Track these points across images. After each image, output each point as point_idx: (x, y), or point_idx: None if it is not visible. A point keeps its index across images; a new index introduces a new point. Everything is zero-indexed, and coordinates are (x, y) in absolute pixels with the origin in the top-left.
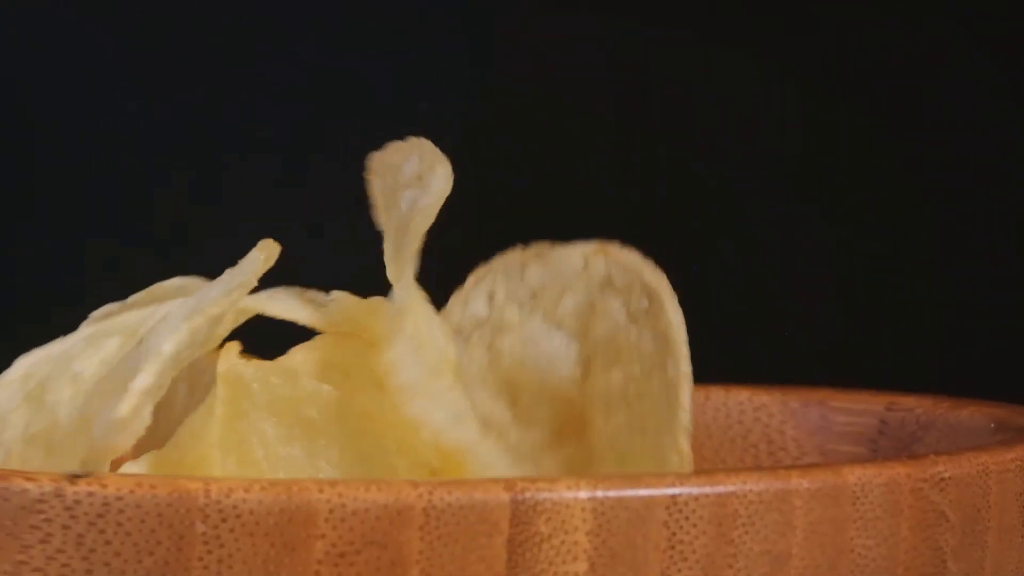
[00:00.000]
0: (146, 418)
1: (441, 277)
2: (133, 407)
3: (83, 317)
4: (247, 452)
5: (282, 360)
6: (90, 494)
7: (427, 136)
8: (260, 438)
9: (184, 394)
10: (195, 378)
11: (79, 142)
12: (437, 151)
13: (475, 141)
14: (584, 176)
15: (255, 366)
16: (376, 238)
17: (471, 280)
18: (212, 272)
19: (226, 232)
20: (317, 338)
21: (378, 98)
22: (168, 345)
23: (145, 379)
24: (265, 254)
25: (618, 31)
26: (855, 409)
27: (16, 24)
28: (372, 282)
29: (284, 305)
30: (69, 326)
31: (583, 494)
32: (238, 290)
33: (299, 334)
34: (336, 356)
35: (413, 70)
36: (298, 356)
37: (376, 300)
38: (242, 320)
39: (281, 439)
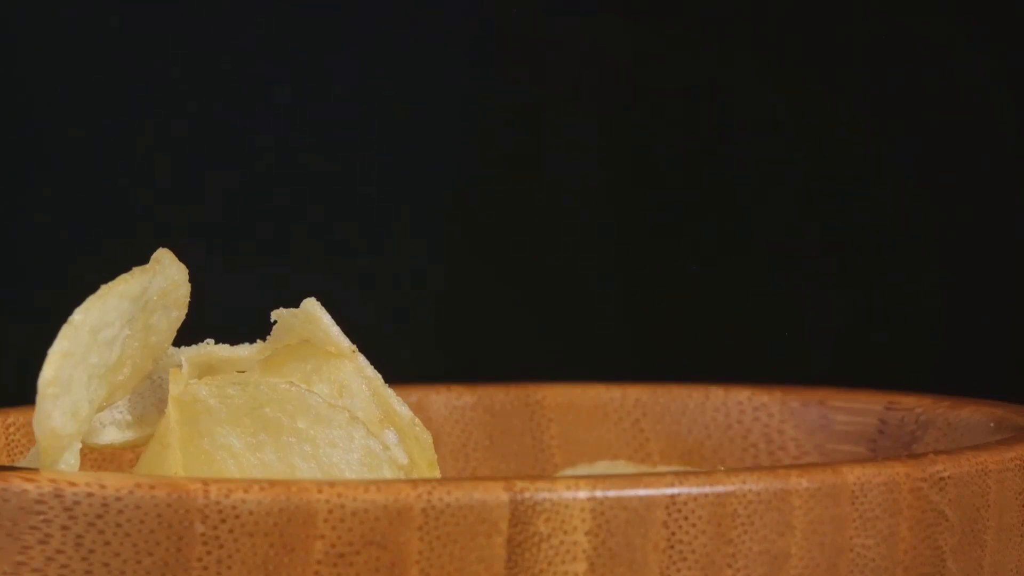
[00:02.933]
0: (83, 408)
1: (444, 274)
2: (55, 370)
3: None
4: (218, 469)
5: (239, 374)
6: (89, 495)
7: (425, 140)
8: (228, 452)
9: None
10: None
11: (71, 138)
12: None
13: (474, 145)
14: (585, 176)
15: (208, 383)
16: (379, 238)
17: None
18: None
19: (223, 233)
20: (265, 346)
21: (377, 99)
22: (77, 315)
23: (60, 344)
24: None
25: (618, 32)
26: (855, 408)
27: (14, 22)
28: (369, 279)
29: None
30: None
31: (582, 494)
32: (140, 276)
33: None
34: (287, 359)
35: (413, 73)
36: (259, 369)
37: (310, 302)
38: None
39: (250, 447)
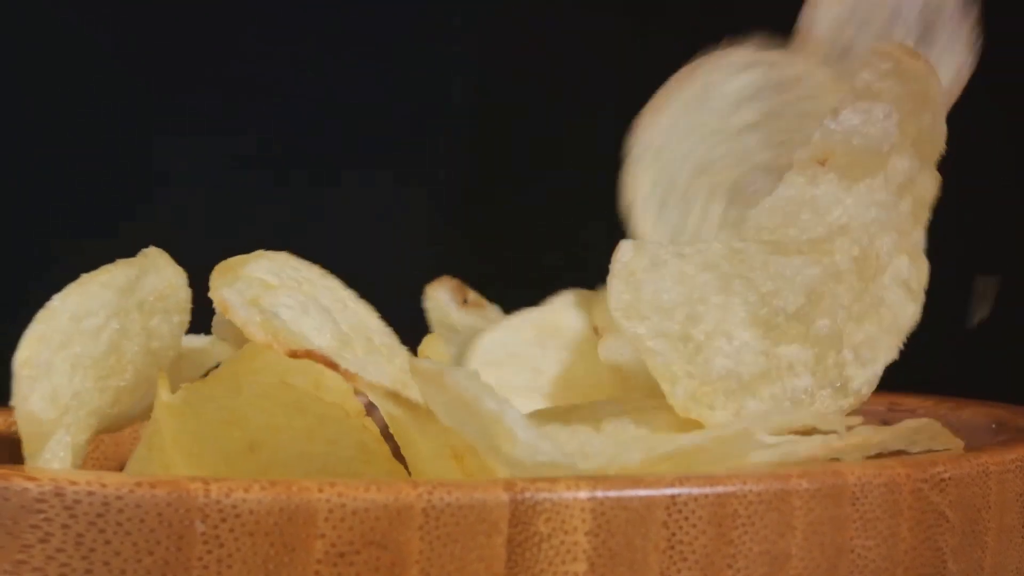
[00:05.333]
0: (64, 394)
1: (444, 274)
2: (30, 351)
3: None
4: (216, 469)
5: (221, 373)
6: (90, 493)
7: (427, 139)
8: (222, 453)
9: None
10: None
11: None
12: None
13: (476, 144)
14: (586, 174)
15: (198, 387)
16: (379, 238)
17: None
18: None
19: (222, 233)
20: (244, 349)
21: (378, 94)
22: (55, 300)
23: (36, 327)
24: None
25: (625, 34)
26: (856, 409)
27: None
28: (369, 279)
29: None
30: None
31: (582, 494)
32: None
33: None
34: (262, 349)
35: (415, 67)
36: (236, 366)
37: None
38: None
39: (245, 447)
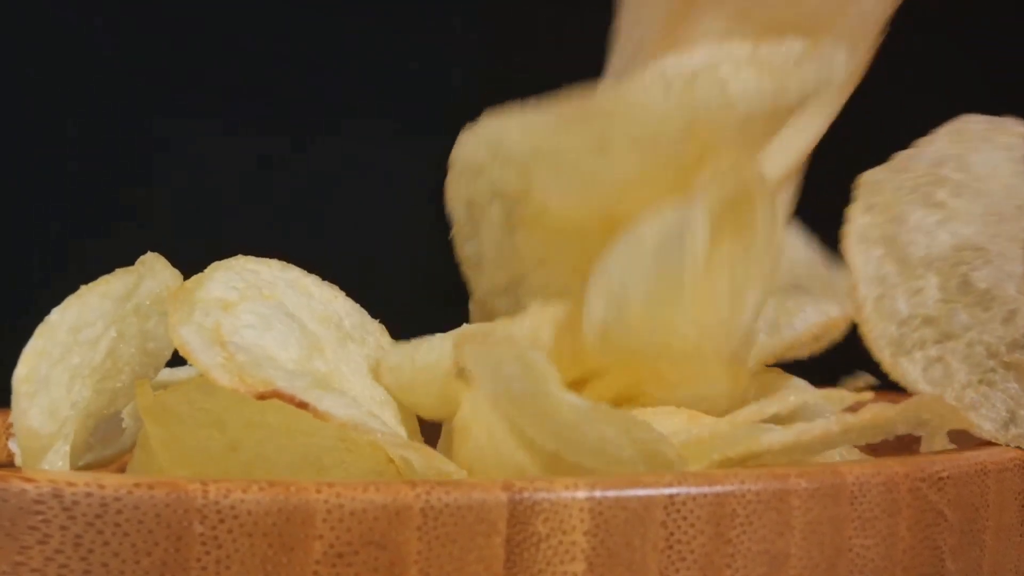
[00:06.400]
0: (63, 408)
1: (445, 273)
2: (28, 367)
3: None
4: (204, 470)
5: (195, 378)
6: (88, 495)
7: (428, 135)
8: (206, 454)
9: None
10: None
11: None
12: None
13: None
14: None
15: (173, 391)
16: (380, 237)
17: None
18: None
19: (220, 232)
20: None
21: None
22: (54, 314)
23: (35, 343)
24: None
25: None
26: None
27: None
28: (370, 277)
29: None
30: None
31: (581, 494)
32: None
33: None
34: None
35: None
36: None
37: None
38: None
39: (227, 448)
